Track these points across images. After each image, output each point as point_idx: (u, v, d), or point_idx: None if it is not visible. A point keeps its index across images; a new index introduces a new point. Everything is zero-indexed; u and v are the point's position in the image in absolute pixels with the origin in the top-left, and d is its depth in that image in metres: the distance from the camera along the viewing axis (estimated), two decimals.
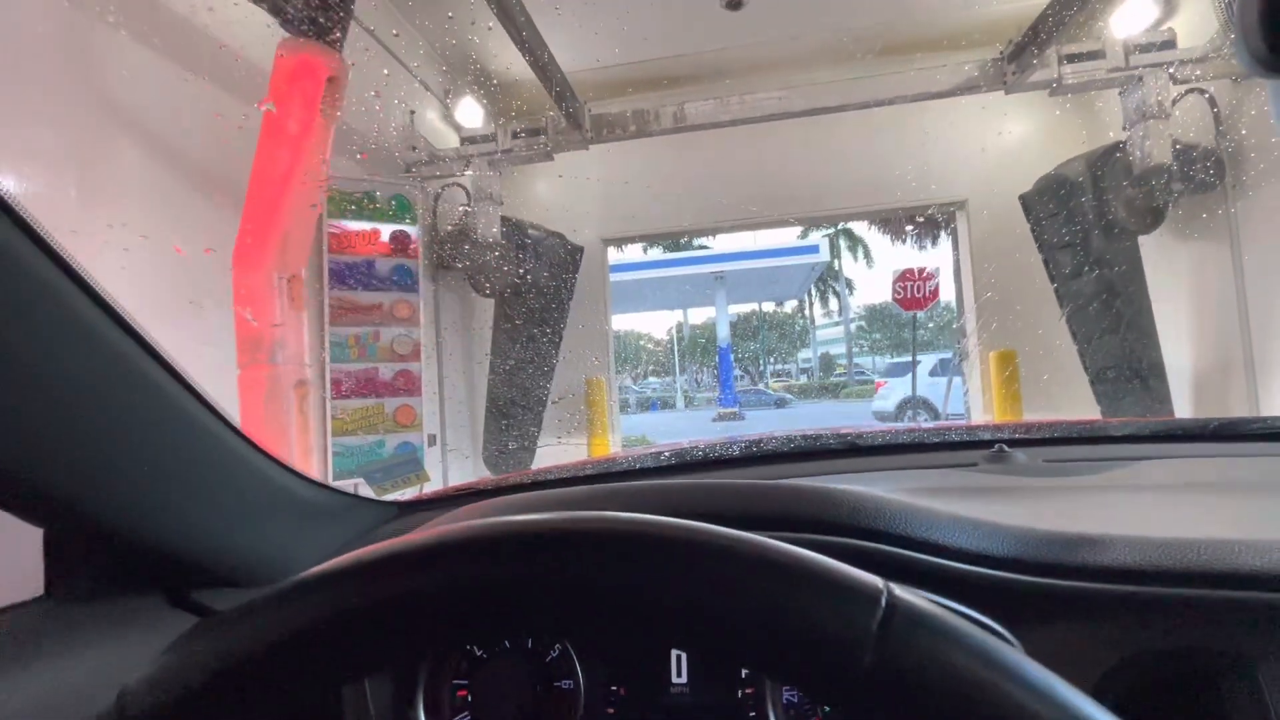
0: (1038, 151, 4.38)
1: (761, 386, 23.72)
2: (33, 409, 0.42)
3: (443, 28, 4.34)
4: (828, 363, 28.12)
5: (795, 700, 0.48)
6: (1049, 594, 0.39)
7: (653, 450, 0.96)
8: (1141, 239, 3.78)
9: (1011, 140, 4.62)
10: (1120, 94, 3.74)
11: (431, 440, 3.84)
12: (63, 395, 0.44)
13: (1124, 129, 3.72)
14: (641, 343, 28.05)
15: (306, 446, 2.57)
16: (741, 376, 25.68)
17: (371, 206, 3.60)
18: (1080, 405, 4.01)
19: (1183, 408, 3.83)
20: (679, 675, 0.49)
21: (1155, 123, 3.51)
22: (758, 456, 0.91)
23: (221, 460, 0.55)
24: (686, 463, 0.93)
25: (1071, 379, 3.99)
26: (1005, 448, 0.81)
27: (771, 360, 28.82)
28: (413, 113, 4.28)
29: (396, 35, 4.00)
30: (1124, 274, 3.76)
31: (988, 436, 0.90)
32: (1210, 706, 0.36)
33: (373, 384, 3.50)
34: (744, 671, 0.48)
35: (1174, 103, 3.57)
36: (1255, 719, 0.35)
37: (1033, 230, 4.11)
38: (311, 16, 2.22)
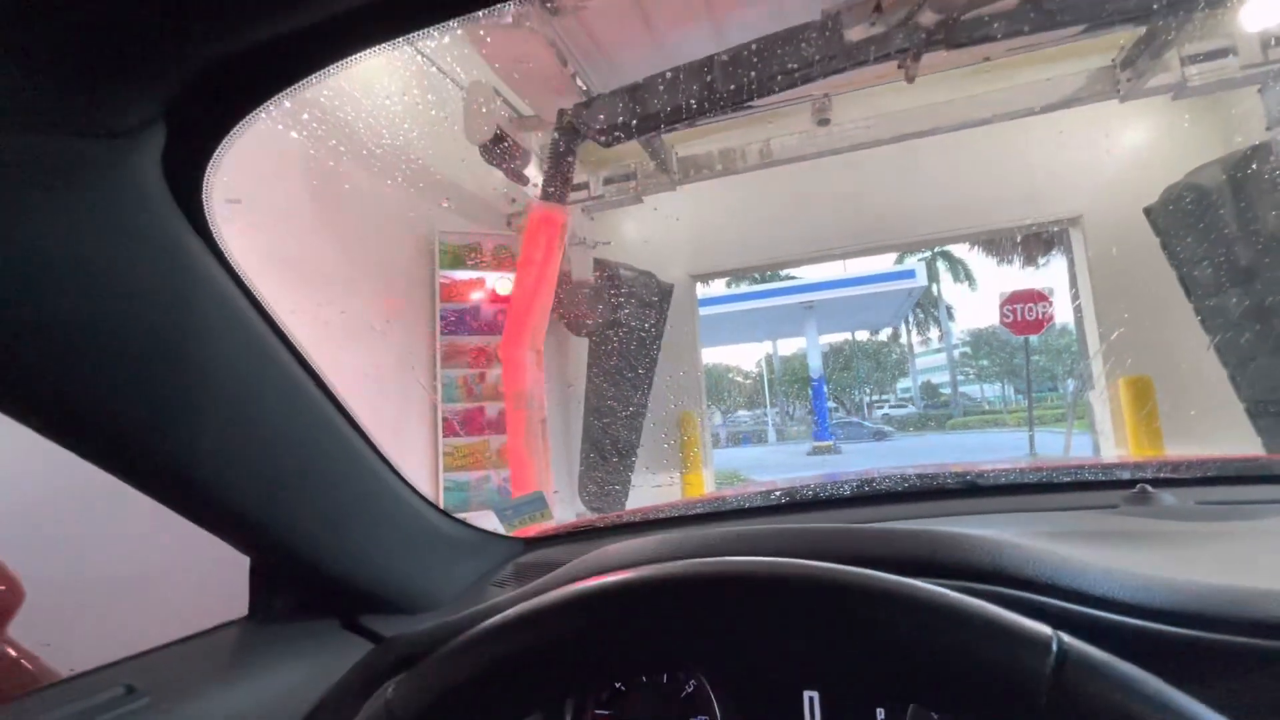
0: (1160, 160, 4.03)
1: (859, 418, 22.73)
2: (253, 454, 0.51)
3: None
4: (930, 392, 26.55)
5: None
6: (1216, 650, 0.37)
7: (761, 489, 0.97)
8: None
9: (1128, 149, 4.29)
10: (1260, 91, 3.40)
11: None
12: (275, 443, 0.52)
13: (1267, 129, 3.36)
14: (731, 376, 27.75)
15: (546, 462, 3.50)
16: (836, 409, 24.73)
17: (477, 258, 3.87)
18: (1232, 441, 3.56)
19: None
20: (811, 717, 0.49)
21: None
22: (870, 496, 0.90)
23: (389, 500, 0.63)
24: (797, 502, 0.93)
25: (1220, 410, 3.56)
26: (1149, 488, 0.75)
27: (869, 391, 27.58)
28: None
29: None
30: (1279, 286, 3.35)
31: (1128, 475, 0.84)
32: None
33: (479, 423, 3.71)
34: (879, 716, 0.48)
35: None
36: None
37: (1163, 245, 3.76)
38: (549, 189, 3.24)
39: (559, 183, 3.12)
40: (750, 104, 2.72)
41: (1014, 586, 0.41)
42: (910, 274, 15.72)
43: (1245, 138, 3.49)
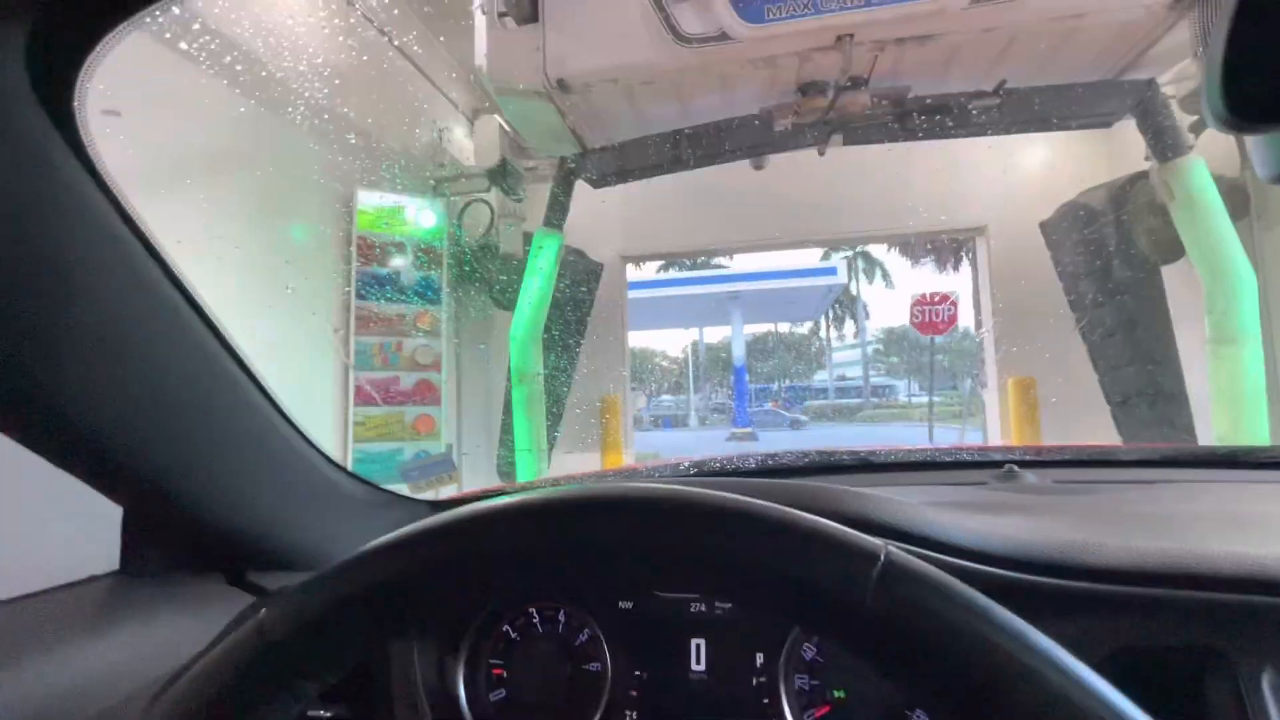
0: (1060, 179, 4.38)
1: (775, 407, 23.59)
2: (128, 391, 0.47)
3: (469, 47, 4.48)
4: (843, 385, 27.91)
5: (806, 688, 0.51)
6: (1037, 590, 0.42)
7: (673, 462, 1.00)
8: (1165, 268, 3.76)
9: (1032, 167, 4.64)
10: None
11: (449, 450, 3.90)
12: (155, 381, 0.49)
13: (1145, 159, 3.72)
14: (657, 360, 28.08)
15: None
16: (755, 397, 25.56)
17: (400, 221, 3.71)
18: (1101, 433, 3.97)
19: (1207, 437, 3.78)
20: (698, 663, 0.52)
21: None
22: (774, 469, 0.95)
23: (282, 452, 0.60)
24: (705, 472, 0.96)
25: (1092, 407, 3.96)
26: (1015, 468, 0.83)
27: (786, 381, 28.66)
28: (441, 131, 4.40)
29: (420, 51, 4.15)
30: (1146, 303, 3.74)
31: (999, 458, 0.92)
32: (1194, 703, 0.39)
33: (394, 392, 3.58)
34: (758, 660, 0.51)
35: (1196, 135, 3.57)
36: (1235, 715, 0.38)
37: (1053, 257, 4.11)
38: (551, 219, 3.81)
39: (559, 213, 3.75)
40: (705, 165, 3.68)
41: (872, 531, 0.45)
42: (832, 270, 16.39)
43: (1128, 165, 3.85)
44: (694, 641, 0.51)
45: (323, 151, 3.45)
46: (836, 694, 0.52)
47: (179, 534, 0.59)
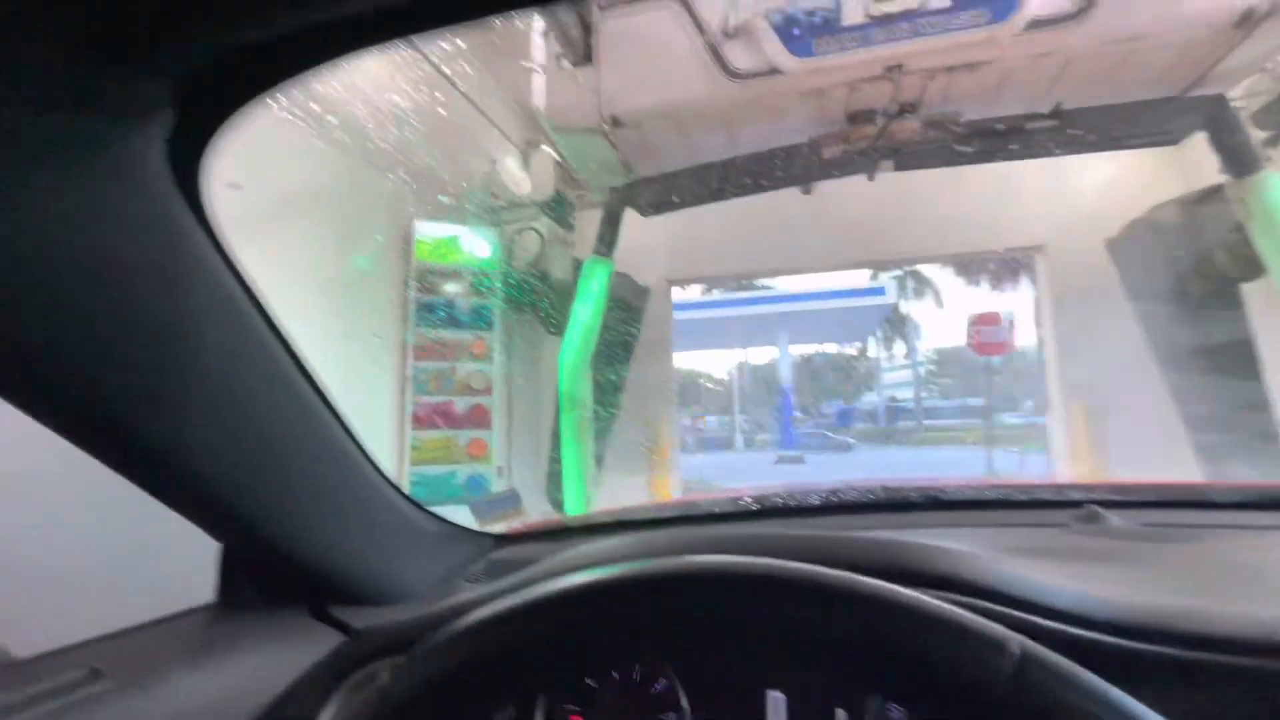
0: (1124, 195, 4.19)
1: (823, 430, 23.07)
2: (235, 438, 0.51)
3: (521, 80, 4.64)
4: (894, 407, 27.09)
5: None
6: (1153, 661, 0.40)
7: (733, 495, 0.99)
8: (1246, 286, 3.54)
9: (1093, 182, 4.46)
10: None
11: (499, 472, 3.96)
12: (258, 429, 0.52)
13: (1220, 171, 3.53)
14: (701, 382, 27.92)
15: None
16: (803, 419, 25.05)
17: (455, 250, 3.84)
18: (1177, 467, 3.72)
19: None
20: (775, 716, 0.51)
21: None
22: (837, 506, 0.93)
23: (366, 491, 0.63)
24: (766, 509, 0.95)
25: (1167, 437, 3.72)
26: (1098, 509, 0.79)
27: (835, 403, 28.01)
28: (494, 162, 4.55)
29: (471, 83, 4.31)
30: (1227, 323, 3.52)
31: (1078, 496, 0.88)
32: None
33: (448, 417, 3.67)
34: (839, 718, 0.49)
35: (1270, 150, 3.38)
36: None
37: (1121, 276, 3.92)
38: (600, 247, 3.86)
39: (609, 242, 3.83)
40: (754, 194, 3.72)
41: (974, 595, 0.43)
42: (880, 290, 16.05)
43: (1203, 179, 3.66)
44: (771, 695, 0.50)
45: (383, 185, 3.62)
46: None
47: (270, 569, 0.62)
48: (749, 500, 0.96)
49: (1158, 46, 2.79)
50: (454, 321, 3.81)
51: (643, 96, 3.05)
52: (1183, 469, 3.69)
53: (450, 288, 3.85)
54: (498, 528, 0.92)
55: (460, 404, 3.71)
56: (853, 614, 0.27)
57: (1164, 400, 3.75)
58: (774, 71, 2.87)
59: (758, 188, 3.64)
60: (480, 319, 3.87)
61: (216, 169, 0.40)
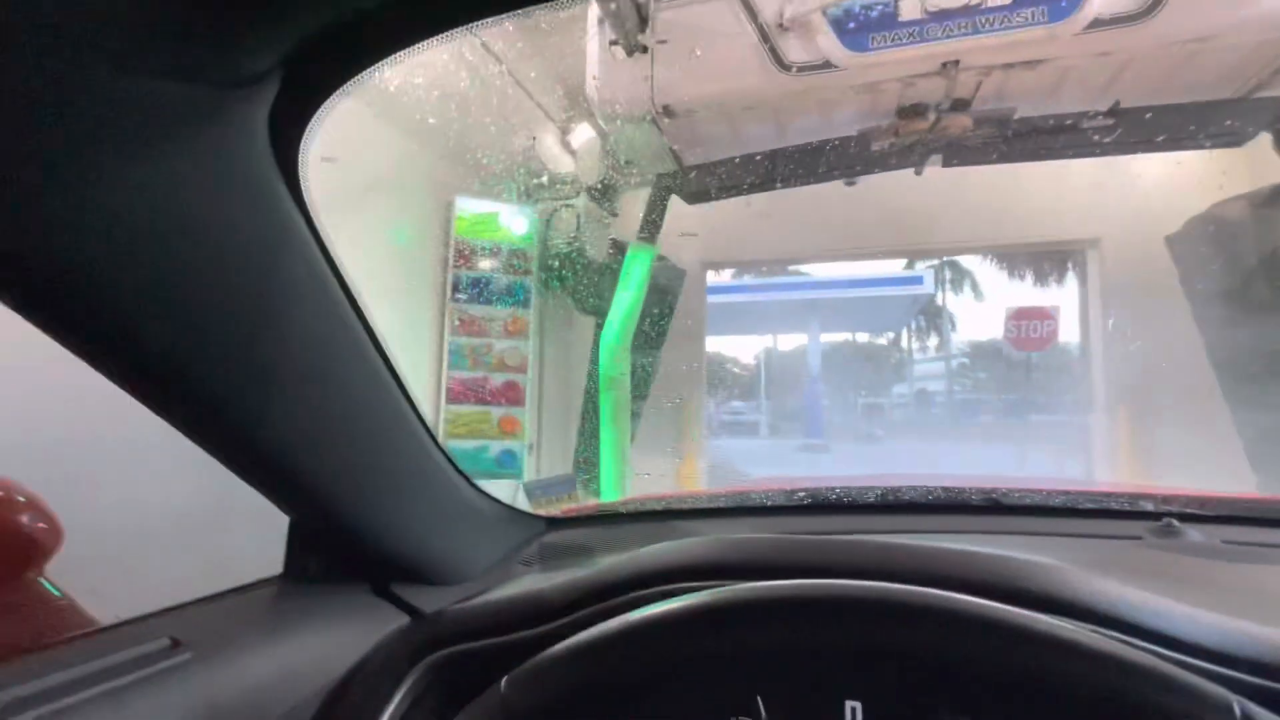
0: (1185, 189, 3.99)
1: (852, 420, 22.76)
2: (311, 414, 0.51)
3: (561, 59, 4.60)
4: (925, 399, 26.60)
5: None
6: None
7: (785, 488, 0.98)
8: None
9: (1152, 177, 4.25)
10: None
11: (530, 449, 4.01)
12: (334, 406, 0.52)
13: None
14: (729, 366, 27.77)
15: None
16: (830, 407, 24.76)
17: (494, 227, 3.85)
18: (1231, 477, 3.57)
19: None
20: None
21: None
22: (895, 505, 0.91)
23: (432, 472, 0.63)
24: (820, 504, 0.93)
25: (1220, 444, 3.57)
26: (1175, 522, 0.75)
27: (864, 393, 27.61)
28: (534, 139, 4.53)
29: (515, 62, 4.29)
30: None
31: (1153, 508, 0.84)
32: None
33: (483, 392, 3.71)
34: None
35: None
36: None
37: (1181, 275, 3.75)
38: (644, 233, 3.96)
39: (653, 228, 3.90)
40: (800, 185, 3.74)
41: (1095, 621, 0.40)
42: (919, 280, 15.66)
43: (1271, 174, 3.46)
44: (849, 704, 0.49)
45: (425, 160, 3.63)
46: None
47: (337, 546, 0.62)
48: (802, 494, 0.94)
49: (1225, 48, 2.66)
50: (492, 297, 3.83)
51: (695, 87, 3.05)
52: (1236, 480, 3.54)
53: (488, 264, 3.87)
54: (550, 510, 0.92)
55: (496, 379, 3.74)
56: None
57: (1218, 405, 3.60)
58: (828, 66, 2.85)
59: (805, 179, 3.67)
60: (517, 296, 3.89)
61: (313, 146, 0.40)
